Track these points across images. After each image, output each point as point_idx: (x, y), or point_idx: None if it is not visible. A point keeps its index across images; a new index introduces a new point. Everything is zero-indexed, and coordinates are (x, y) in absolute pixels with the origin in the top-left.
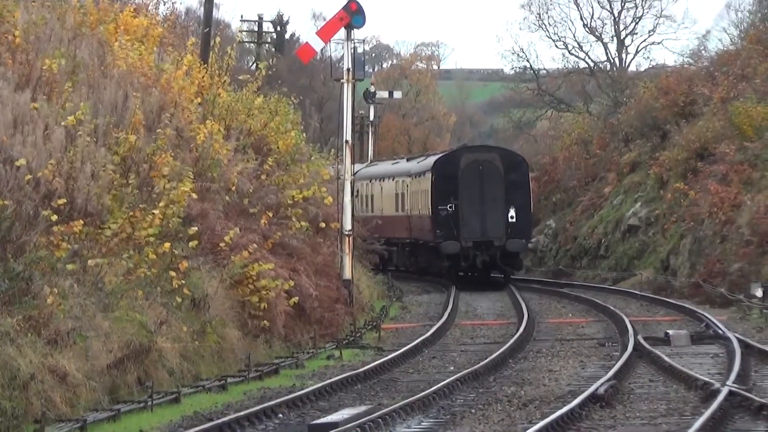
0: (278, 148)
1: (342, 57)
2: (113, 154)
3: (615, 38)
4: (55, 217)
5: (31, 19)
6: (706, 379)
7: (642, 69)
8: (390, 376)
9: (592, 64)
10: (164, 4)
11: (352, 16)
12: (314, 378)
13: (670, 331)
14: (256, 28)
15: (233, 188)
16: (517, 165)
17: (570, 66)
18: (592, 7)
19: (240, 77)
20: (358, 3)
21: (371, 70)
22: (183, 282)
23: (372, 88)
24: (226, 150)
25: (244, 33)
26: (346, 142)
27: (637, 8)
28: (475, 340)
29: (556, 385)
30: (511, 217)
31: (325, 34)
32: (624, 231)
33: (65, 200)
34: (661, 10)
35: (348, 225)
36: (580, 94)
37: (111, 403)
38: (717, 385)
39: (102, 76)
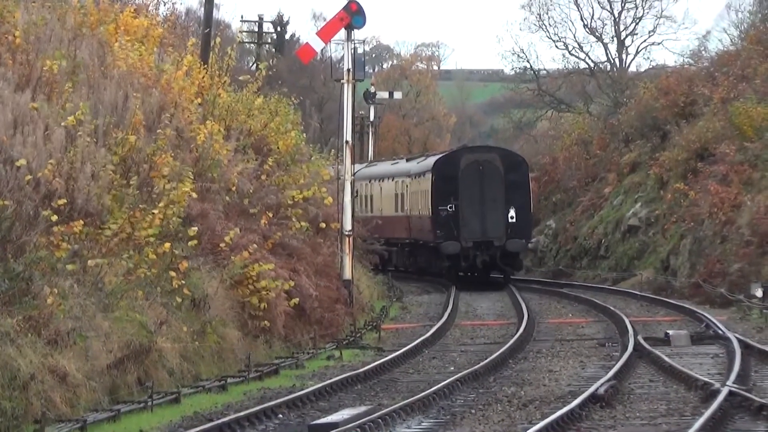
0: (278, 148)
1: (342, 57)
2: (113, 154)
3: (615, 39)
4: (55, 218)
5: (31, 20)
6: (706, 379)
7: (642, 69)
8: (390, 377)
9: (592, 65)
10: (164, 5)
11: (353, 17)
12: (314, 378)
13: (670, 332)
14: (256, 29)
15: (233, 188)
16: (517, 165)
17: (570, 66)
18: (593, 8)
19: (240, 78)
20: (358, 3)
21: (371, 71)
22: (183, 282)
23: (372, 89)
24: (227, 150)
25: (244, 33)
26: (347, 142)
27: (637, 9)
28: (475, 341)
29: (556, 386)
30: (511, 218)
31: (326, 34)
32: (624, 231)
33: (65, 200)
34: (662, 11)
35: (348, 225)
36: (580, 95)
37: (111, 403)
38: (717, 385)
39: (102, 76)
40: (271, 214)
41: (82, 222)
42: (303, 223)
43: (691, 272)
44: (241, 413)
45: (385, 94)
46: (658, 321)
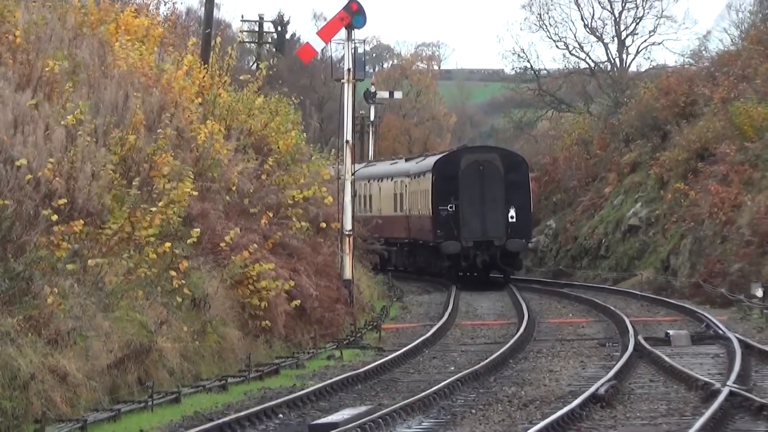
0: (279, 148)
1: (342, 57)
2: (113, 154)
3: (616, 38)
4: (55, 217)
5: (31, 19)
6: (707, 379)
7: (642, 69)
8: (390, 377)
9: (592, 65)
10: (165, 5)
11: (353, 17)
12: (315, 378)
13: (671, 332)
14: (256, 28)
15: (234, 188)
16: (517, 165)
17: (571, 66)
18: (593, 8)
19: (241, 77)
20: (358, 3)
21: (372, 71)
22: (183, 282)
23: (372, 89)
24: (227, 150)
25: (244, 33)
26: (347, 142)
27: (637, 8)
28: (475, 341)
29: (556, 386)
30: (512, 217)
31: (326, 34)
32: (624, 231)
33: (65, 200)
34: (662, 11)
35: (348, 225)
36: (580, 95)
37: (111, 403)
38: (717, 385)
39: (103, 76)
40: (271, 214)
41: (82, 222)
42: (303, 223)
43: (691, 272)
44: (242, 413)
45: (385, 94)
46: (658, 321)
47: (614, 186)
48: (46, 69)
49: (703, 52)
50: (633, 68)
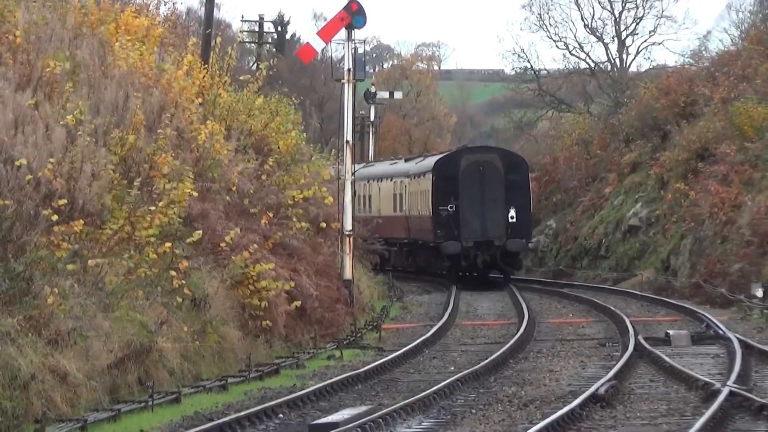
0: (279, 148)
1: (343, 57)
2: (113, 154)
3: (616, 39)
4: (55, 217)
5: (32, 19)
6: (707, 379)
7: (643, 69)
8: (390, 377)
9: (592, 65)
10: (165, 5)
11: (353, 17)
12: (315, 378)
13: (671, 332)
14: (256, 29)
15: (234, 188)
16: (517, 165)
17: (571, 66)
18: (593, 8)
19: (241, 77)
20: (358, 3)
21: (372, 71)
22: (183, 282)
23: (373, 89)
24: (227, 150)
25: (244, 33)
26: (347, 142)
27: (638, 9)
28: (475, 341)
29: (556, 386)
30: (512, 218)
31: (326, 34)
32: (624, 231)
33: (66, 200)
34: (662, 11)
35: (349, 225)
36: (580, 95)
37: (111, 403)
38: (717, 385)
39: (103, 76)
40: (271, 214)
41: (82, 222)
42: (303, 223)
43: (691, 272)
44: (242, 413)
45: (385, 94)
46: (658, 321)
47: (614, 186)
48: (47, 69)
49: (704, 52)
50: (633, 68)
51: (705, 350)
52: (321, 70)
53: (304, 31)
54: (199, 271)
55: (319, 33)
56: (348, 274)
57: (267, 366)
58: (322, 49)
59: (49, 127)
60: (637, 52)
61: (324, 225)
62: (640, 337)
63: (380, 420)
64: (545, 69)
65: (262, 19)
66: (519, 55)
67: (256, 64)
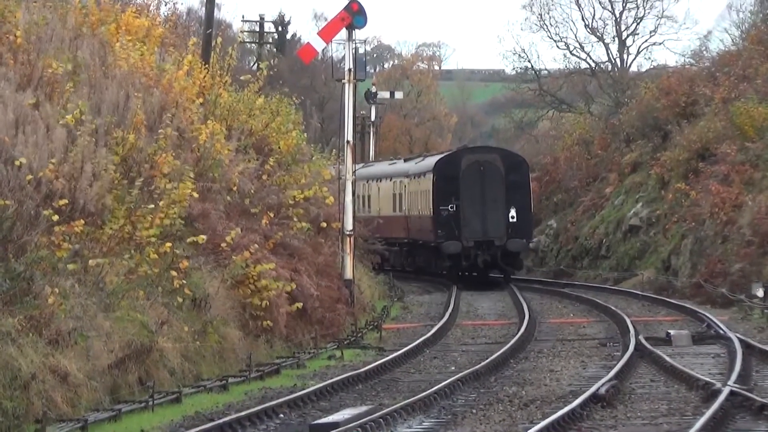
0: (279, 148)
1: (343, 57)
2: (114, 154)
3: (616, 39)
4: (56, 217)
5: (32, 20)
6: (708, 379)
7: (643, 69)
8: (391, 376)
9: (593, 65)
10: (165, 5)
11: (354, 17)
12: (315, 378)
13: (672, 331)
14: (257, 29)
15: (234, 188)
16: (518, 166)
17: (571, 66)
18: (594, 8)
19: (241, 77)
20: (359, 3)
21: (372, 71)
22: (184, 282)
23: (373, 89)
24: (228, 150)
25: (245, 33)
26: (348, 142)
27: (638, 9)
28: (476, 340)
29: (557, 385)
30: (512, 217)
31: (327, 34)
32: (625, 231)
33: (66, 200)
34: (663, 11)
35: (349, 225)
36: (581, 95)
37: (112, 403)
38: (718, 385)
39: (103, 76)
40: (272, 214)
41: (83, 222)
42: (304, 223)
43: (692, 272)
44: (243, 413)
45: (386, 94)
46: (659, 321)
47: (615, 186)
48: (48, 69)
49: (704, 52)
50: (634, 68)
51: (706, 350)
52: (321, 70)
53: (305, 31)
54: (199, 271)
55: (319, 33)
56: (349, 274)
57: (268, 366)
58: (323, 49)
59: (49, 127)
60: (638, 52)
61: (325, 225)
62: (640, 337)
63: (381, 420)
64: (546, 69)
65: (263, 19)
66: (519, 55)
67: (256, 64)
